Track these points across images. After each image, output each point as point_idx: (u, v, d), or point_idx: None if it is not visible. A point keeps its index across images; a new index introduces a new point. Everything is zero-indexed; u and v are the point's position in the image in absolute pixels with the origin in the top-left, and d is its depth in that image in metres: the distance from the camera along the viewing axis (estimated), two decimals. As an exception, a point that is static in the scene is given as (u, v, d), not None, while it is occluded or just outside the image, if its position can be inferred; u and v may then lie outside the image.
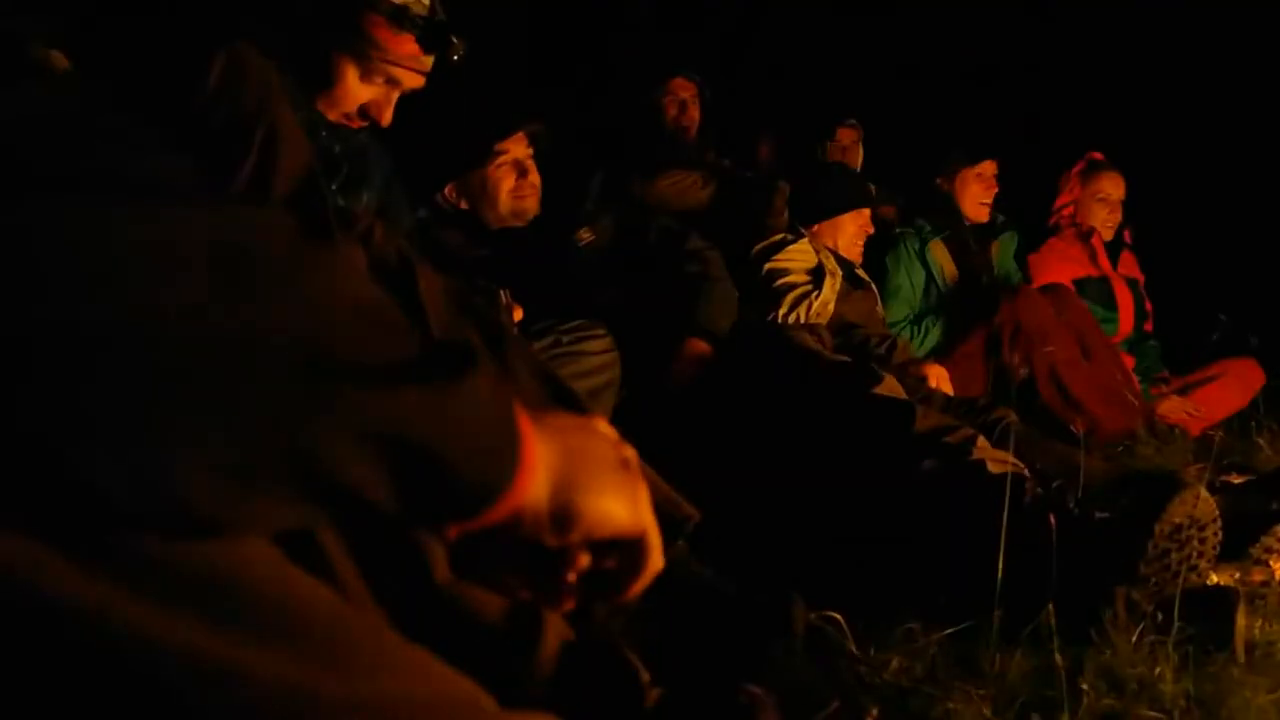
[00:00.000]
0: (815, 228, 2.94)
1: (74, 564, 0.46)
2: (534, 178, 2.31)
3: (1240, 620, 1.38)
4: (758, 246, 2.78)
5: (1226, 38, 4.41)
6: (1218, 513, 1.57)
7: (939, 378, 2.73)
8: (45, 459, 0.45)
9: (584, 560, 0.66)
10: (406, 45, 1.69)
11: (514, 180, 2.29)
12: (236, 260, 0.49)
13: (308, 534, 0.59)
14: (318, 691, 0.50)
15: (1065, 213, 3.71)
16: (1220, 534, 1.58)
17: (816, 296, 2.71)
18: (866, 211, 3.04)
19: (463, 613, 0.69)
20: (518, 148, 2.31)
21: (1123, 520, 1.54)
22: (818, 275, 2.77)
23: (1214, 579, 1.65)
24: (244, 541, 0.51)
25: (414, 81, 1.73)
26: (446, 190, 2.31)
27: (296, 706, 0.49)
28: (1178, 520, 1.52)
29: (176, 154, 0.55)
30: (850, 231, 2.99)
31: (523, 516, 0.60)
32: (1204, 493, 1.56)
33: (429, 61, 1.73)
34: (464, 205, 2.31)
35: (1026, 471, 1.76)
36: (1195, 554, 1.54)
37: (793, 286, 2.71)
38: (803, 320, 2.67)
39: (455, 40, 1.70)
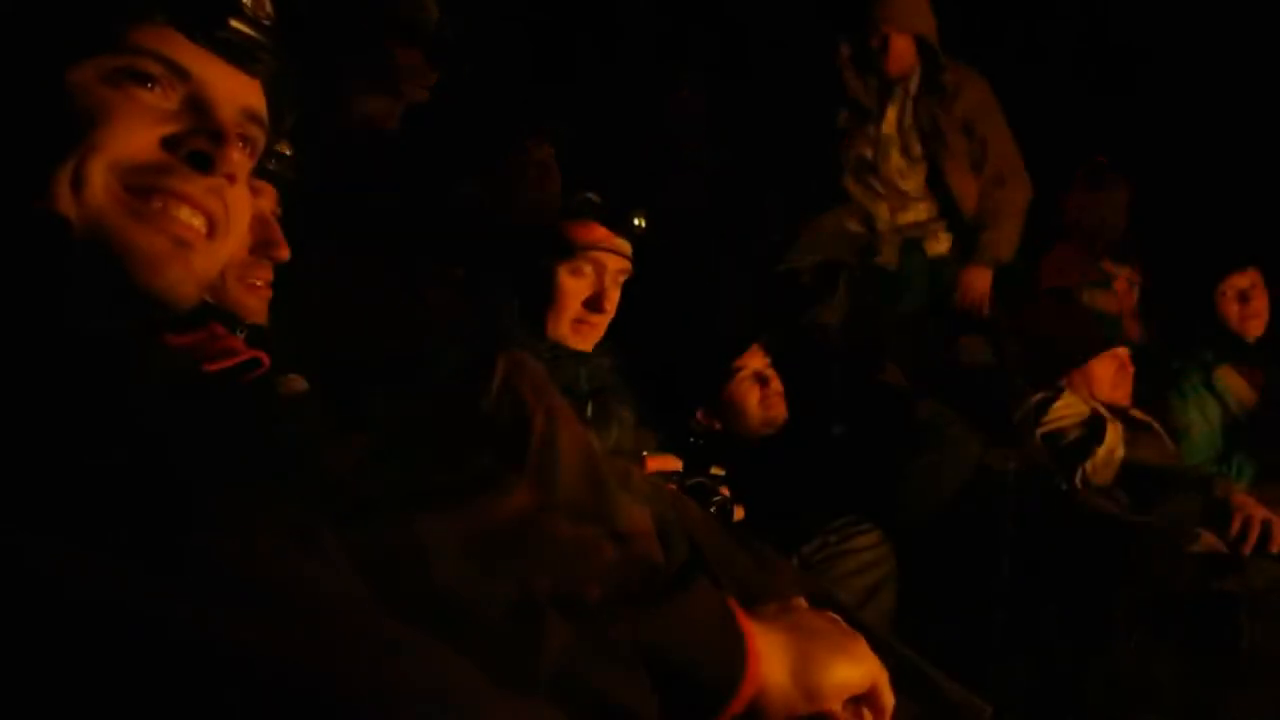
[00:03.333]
0: (1068, 378, 2.59)
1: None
2: (776, 384, 2.27)
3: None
4: (1018, 415, 2.48)
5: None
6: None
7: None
8: None
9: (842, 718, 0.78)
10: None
11: (759, 392, 2.25)
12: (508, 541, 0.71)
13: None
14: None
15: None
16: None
17: (1099, 447, 2.40)
18: (1120, 351, 2.65)
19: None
20: (755, 360, 2.27)
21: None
22: (1095, 425, 2.46)
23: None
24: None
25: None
26: (698, 415, 2.27)
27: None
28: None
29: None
30: (1108, 377, 2.61)
31: (767, 701, 0.72)
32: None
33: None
34: (717, 427, 2.27)
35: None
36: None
37: (1078, 447, 2.42)
38: (1093, 480, 2.38)
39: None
